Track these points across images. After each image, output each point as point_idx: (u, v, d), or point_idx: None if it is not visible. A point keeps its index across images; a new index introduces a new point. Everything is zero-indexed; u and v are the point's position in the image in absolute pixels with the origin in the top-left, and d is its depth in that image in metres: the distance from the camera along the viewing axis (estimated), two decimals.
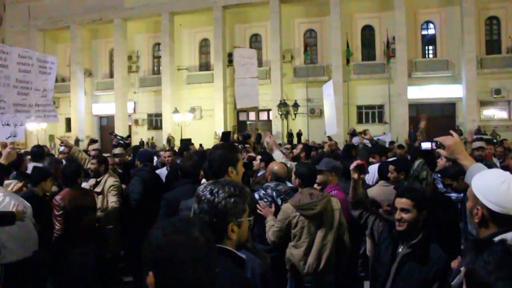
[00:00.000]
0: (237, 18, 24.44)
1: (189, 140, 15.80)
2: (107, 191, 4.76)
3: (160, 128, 25.15)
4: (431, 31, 22.89)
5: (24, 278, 3.65)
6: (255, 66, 8.18)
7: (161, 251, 1.11)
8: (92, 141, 13.03)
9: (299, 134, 22.49)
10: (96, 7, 25.70)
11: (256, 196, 3.69)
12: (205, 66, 25.66)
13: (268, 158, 4.91)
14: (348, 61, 22.20)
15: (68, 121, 28.52)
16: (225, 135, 12.30)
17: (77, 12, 26.23)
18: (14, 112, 4.29)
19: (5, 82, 4.18)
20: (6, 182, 4.03)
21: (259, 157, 5.17)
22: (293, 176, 3.66)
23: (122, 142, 9.48)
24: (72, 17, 26.41)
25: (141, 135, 25.82)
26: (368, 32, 23.39)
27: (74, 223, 4.12)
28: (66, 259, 4.12)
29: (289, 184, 3.99)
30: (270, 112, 23.54)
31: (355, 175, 2.72)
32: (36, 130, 27.33)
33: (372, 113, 23.02)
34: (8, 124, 4.24)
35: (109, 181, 4.84)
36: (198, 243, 1.14)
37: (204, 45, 25.98)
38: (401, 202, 2.41)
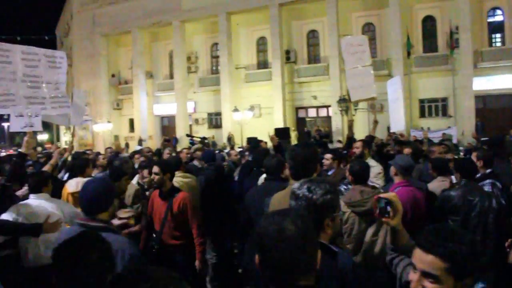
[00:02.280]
0: (293, 15, 26.19)
1: (256, 138, 17.50)
2: None
3: (220, 126, 27.42)
4: (498, 18, 23.22)
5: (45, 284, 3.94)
6: (368, 53, 7.88)
7: (260, 238, 1.43)
8: (166, 141, 15.14)
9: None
10: (155, 11, 28.54)
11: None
12: (263, 64, 27.77)
13: (340, 156, 5.47)
14: (409, 54, 23.23)
15: (131, 121, 31.73)
16: (280, 132, 12.21)
17: (137, 17, 29.30)
18: (26, 104, 4.76)
19: (11, 77, 4.66)
20: None
21: (329, 155, 5.53)
22: (347, 173, 4.02)
23: (204, 141, 11.25)
24: (133, 22, 29.55)
25: (201, 134, 28.20)
26: (429, 23, 24.30)
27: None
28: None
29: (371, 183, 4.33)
30: (330, 109, 25.02)
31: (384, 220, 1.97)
32: (103, 131, 30.72)
33: (435, 107, 23.97)
34: (21, 115, 4.68)
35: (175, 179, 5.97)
36: (287, 233, 1.40)
37: (261, 43, 28.02)
38: (425, 260, 1.51)
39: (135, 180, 5.48)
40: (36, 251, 3.80)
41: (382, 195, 1.99)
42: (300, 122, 26.73)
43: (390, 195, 1.98)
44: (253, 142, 12.89)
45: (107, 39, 31.85)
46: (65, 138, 38.57)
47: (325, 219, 1.88)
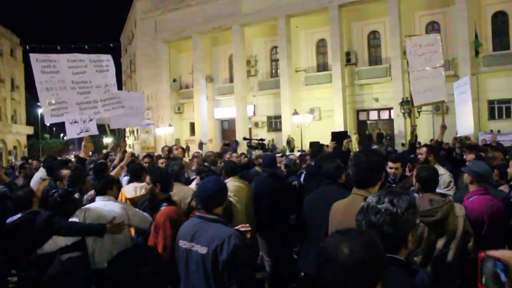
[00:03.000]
0: (353, 16, 26.41)
1: (319, 142, 17.88)
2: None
3: (280, 130, 28.07)
4: None
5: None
6: (440, 53, 7.62)
7: (318, 253, 1.52)
8: (226, 145, 15.87)
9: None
10: (215, 16, 29.75)
11: None
12: (322, 66, 28.21)
13: (406, 161, 5.37)
14: (477, 53, 22.73)
15: (192, 125, 33.14)
16: (337, 136, 11.83)
17: (197, 22, 30.67)
18: (79, 110, 4.88)
19: (61, 86, 4.77)
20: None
21: (395, 164, 5.21)
22: (414, 180, 3.80)
23: (263, 144, 11.72)
24: (193, 27, 30.97)
25: (261, 137, 28.96)
26: (500, 19, 23.68)
27: None
28: None
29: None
30: (392, 111, 24.91)
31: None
32: (164, 134, 32.27)
33: (506, 108, 23.23)
34: (76, 122, 4.83)
35: (228, 184, 6.33)
36: (339, 255, 1.43)
37: (321, 46, 28.45)
38: None
39: (193, 185, 5.57)
40: (102, 252, 4.08)
41: (491, 253, 1.48)
42: (361, 125, 26.86)
43: (507, 256, 1.44)
44: (316, 147, 13.19)
45: (168, 45, 33.51)
46: (128, 142, 40.74)
47: (408, 235, 1.83)
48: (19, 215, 3.93)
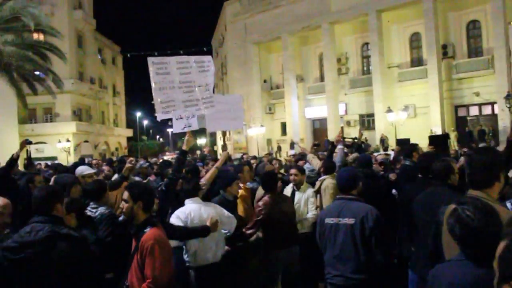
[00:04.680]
0: (450, 6, 26.16)
1: (408, 140, 17.98)
2: (323, 191, 6.14)
3: (373, 128, 28.46)
4: None
5: (213, 282, 4.49)
6: None
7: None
8: (315, 145, 16.69)
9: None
10: (304, 15, 30.89)
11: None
12: (417, 61, 28.20)
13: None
14: None
15: (283, 125, 34.59)
16: (436, 140, 11.48)
17: (287, 22, 32.00)
18: (184, 107, 5.36)
19: (171, 86, 5.26)
20: None
21: None
22: None
23: (360, 143, 12.35)
24: (282, 28, 32.36)
25: (353, 136, 29.47)
26: None
27: (276, 225, 5.15)
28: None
29: None
30: (495, 106, 24.28)
31: None
32: (256, 135, 33.96)
33: None
34: (181, 118, 5.34)
35: (326, 181, 6.20)
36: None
37: (414, 40, 28.43)
38: None
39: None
40: (205, 250, 4.54)
41: None
42: (461, 122, 26.42)
43: None
44: (405, 145, 13.05)
45: (258, 46, 35.37)
46: (221, 142, 43.24)
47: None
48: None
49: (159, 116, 5.20)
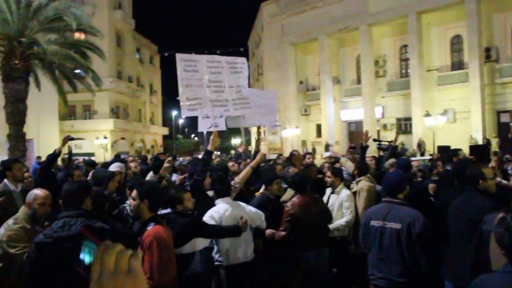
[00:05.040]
0: (494, 8, 25.57)
1: (449, 147, 17.71)
2: (358, 193, 6.21)
3: (410, 132, 28.02)
4: None
5: (242, 281, 4.57)
6: None
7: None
8: (351, 148, 16.46)
9: None
10: (342, 17, 30.76)
11: None
12: (457, 65, 27.63)
13: None
14: None
15: (318, 127, 34.56)
16: (476, 151, 11.41)
17: (324, 24, 31.92)
18: (212, 107, 5.35)
19: (199, 84, 5.28)
20: None
21: None
22: None
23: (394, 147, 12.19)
24: (320, 29, 32.31)
25: (391, 139, 29.09)
26: None
27: (306, 227, 5.19)
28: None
29: None
30: None
31: None
32: (291, 136, 33.98)
33: None
34: (208, 117, 5.30)
35: (361, 183, 6.25)
36: None
37: (456, 42, 27.85)
38: None
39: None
40: (237, 249, 4.72)
41: None
42: (503, 128, 25.62)
43: None
44: (446, 152, 12.56)
45: (295, 47, 35.39)
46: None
47: None
48: (168, 210, 4.44)
49: (184, 113, 5.25)
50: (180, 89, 5.16)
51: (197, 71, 5.32)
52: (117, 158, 12.30)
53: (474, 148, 12.35)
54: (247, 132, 44.66)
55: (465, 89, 25.67)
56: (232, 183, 5.42)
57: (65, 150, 7.63)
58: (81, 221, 2.85)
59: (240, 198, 5.47)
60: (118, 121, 41.26)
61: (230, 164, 8.78)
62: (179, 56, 5.27)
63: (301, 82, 35.95)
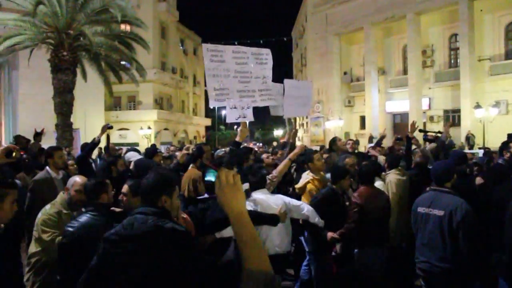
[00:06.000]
0: None
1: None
2: (387, 185, 6.25)
3: (458, 124, 27.07)
4: None
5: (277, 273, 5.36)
6: None
7: None
8: (398, 139, 16.11)
9: None
10: (387, 5, 30.02)
11: None
12: None
13: None
14: None
15: (362, 118, 34.03)
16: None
17: (369, 13, 31.23)
18: (239, 97, 5.32)
19: (226, 74, 5.23)
20: None
21: None
22: None
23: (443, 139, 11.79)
24: (364, 18, 31.65)
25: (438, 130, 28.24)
26: None
27: (368, 221, 5.10)
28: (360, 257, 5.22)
29: None
30: None
31: None
32: (334, 127, 33.61)
33: None
34: (235, 107, 5.25)
35: (390, 176, 6.35)
36: None
37: (510, 30, 26.56)
38: None
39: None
40: (272, 240, 4.69)
41: None
42: None
43: None
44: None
45: (339, 37, 34.89)
46: (298, 134, 43.15)
47: None
48: (206, 195, 4.45)
49: (212, 103, 5.21)
50: (207, 79, 5.16)
51: (224, 61, 5.29)
52: (153, 147, 12.52)
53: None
54: (290, 123, 44.48)
55: None
56: (269, 176, 5.25)
57: (105, 138, 7.78)
58: (153, 220, 2.55)
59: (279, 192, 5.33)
60: (162, 112, 41.94)
61: (264, 156, 8.71)
62: (205, 46, 5.27)
63: (345, 73, 35.37)
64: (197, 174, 4.90)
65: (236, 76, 5.39)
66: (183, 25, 49.36)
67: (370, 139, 30.23)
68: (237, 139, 5.34)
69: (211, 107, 5.71)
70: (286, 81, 6.09)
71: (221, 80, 5.23)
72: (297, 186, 6.20)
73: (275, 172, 5.57)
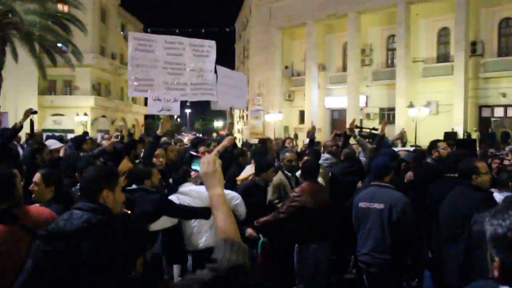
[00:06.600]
0: (483, 2, 25.64)
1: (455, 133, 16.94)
2: None
3: (393, 122, 27.89)
4: None
5: None
6: None
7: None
8: (337, 135, 16.48)
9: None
10: (331, 3, 30.60)
11: None
12: (443, 57, 27.68)
13: None
14: None
15: (301, 113, 34.45)
16: (463, 143, 11.24)
17: (313, 9, 31.65)
18: (165, 89, 5.17)
19: (153, 64, 5.11)
20: None
21: None
22: None
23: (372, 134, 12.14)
24: (308, 14, 32.03)
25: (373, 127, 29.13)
26: None
27: (310, 217, 5.00)
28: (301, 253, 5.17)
29: None
30: None
31: None
32: (274, 121, 33.84)
33: None
34: (159, 99, 5.11)
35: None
36: None
37: (443, 35, 27.85)
38: None
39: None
40: (201, 235, 4.67)
41: None
42: (484, 122, 25.86)
43: None
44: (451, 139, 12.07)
45: (282, 31, 35.04)
46: (238, 126, 43.16)
47: None
48: (134, 186, 4.20)
49: (131, 93, 5.13)
50: (129, 68, 5.06)
51: (153, 51, 5.17)
52: (83, 135, 12.06)
53: (460, 142, 12.07)
54: (231, 115, 44.31)
55: (449, 82, 25.63)
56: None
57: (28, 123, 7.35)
58: (87, 216, 2.38)
59: None
60: (100, 99, 40.58)
61: (201, 149, 8.60)
62: (131, 35, 5.19)
63: (286, 67, 35.61)
64: (128, 167, 4.77)
65: (165, 67, 5.26)
66: (124, 10, 47.83)
67: (309, 133, 30.58)
68: (158, 132, 5.20)
69: (130, 96, 5.36)
70: (219, 68, 5.96)
71: (146, 70, 5.11)
72: (239, 178, 6.15)
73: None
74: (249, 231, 5.04)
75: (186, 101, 5.79)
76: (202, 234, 4.67)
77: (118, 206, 2.67)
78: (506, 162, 7.91)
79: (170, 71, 5.27)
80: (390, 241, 4.30)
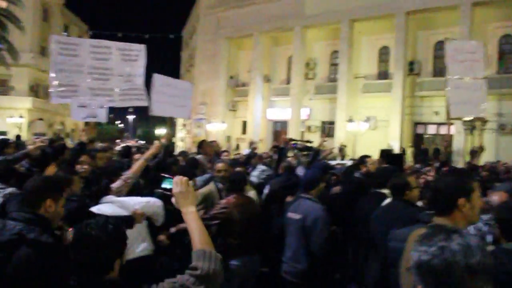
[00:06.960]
0: (421, 24, 26.49)
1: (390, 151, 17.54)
2: None
3: (333, 136, 28.24)
4: None
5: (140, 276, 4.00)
6: (481, 63, 7.06)
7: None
8: (275, 147, 16.47)
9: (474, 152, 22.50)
10: (278, 16, 30.78)
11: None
12: (383, 74, 28.43)
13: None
14: None
15: (244, 124, 34.34)
16: (392, 158, 11.81)
17: (260, 21, 31.82)
18: (91, 95, 4.99)
19: (77, 69, 4.94)
20: None
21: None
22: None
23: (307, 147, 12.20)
24: (255, 26, 32.17)
25: (313, 142, 29.37)
26: None
27: (237, 230, 4.77)
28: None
29: None
30: (452, 127, 24.49)
31: None
32: (216, 131, 33.52)
33: None
34: (84, 106, 4.99)
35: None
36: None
37: (383, 53, 28.63)
38: None
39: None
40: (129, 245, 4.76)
41: None
42: (418, 139, 26.76)
43: None
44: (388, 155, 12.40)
45: (229, 41, 34.94)
46: (180, 134, 42.50)
47: None
48: None
49: (53, 100, 4.91)
50: (51, 73, 4.84)
51: (77, 55, 4.98)
52: (17, 137, 11.42)
53: (389, 156, 12.11)
54: (173, 122, 43.64)
55: (388, 99, 26.39)
56: (123, 177, 4.72)
57: None
58: (20, 227, 2.29)
59: (136, 193, 4.81)
60: (37, 100, 38.81)
61: (136, 156, 8.23)
62: (54, 38, 4.95)
63: (231, 77, 35.45)
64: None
65: (91, 72, 5.09)
66: (68, 10, 46.24)
67: (250, 144, 30.51)
68: (82, 139, 5.09)
69: (52, 102, 5.02)
70: (156, 76, 5.64)
71: (69, 76, 4.92)
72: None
73: (129, 173, 4.96)
74: (161, 237, 4.83)
75: (128, 108, 5.44)
76: (134, 242, 4.30)
77: (57, 218, 2.63)
78: (429, 178, 7.98)
79: (96, 76, 5.10)
80: (305, 251, 4.49)
